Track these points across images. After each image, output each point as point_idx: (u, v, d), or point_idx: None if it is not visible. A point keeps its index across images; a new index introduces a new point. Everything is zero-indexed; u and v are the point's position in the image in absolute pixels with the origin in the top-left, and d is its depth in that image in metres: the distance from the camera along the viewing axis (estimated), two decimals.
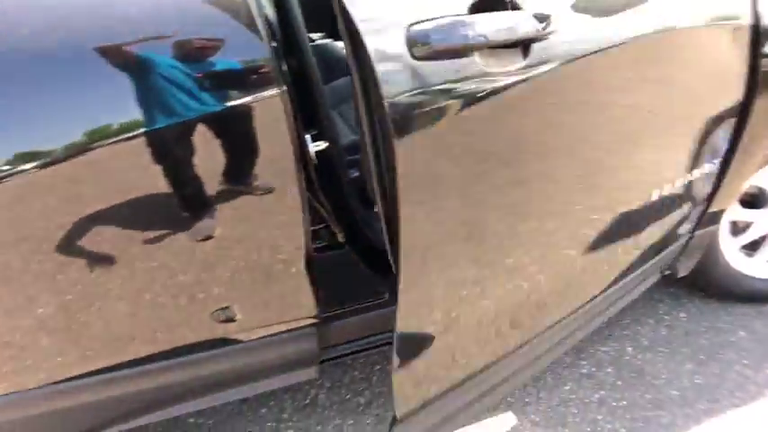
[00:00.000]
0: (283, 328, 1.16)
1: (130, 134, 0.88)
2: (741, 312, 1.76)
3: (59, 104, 0.87)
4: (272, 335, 1.16)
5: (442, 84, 0.88)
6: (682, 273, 1.61)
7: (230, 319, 1.10)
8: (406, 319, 1.01)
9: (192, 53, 0.92)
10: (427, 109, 0.87)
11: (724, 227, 1.65)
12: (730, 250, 1.69)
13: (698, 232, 1.51)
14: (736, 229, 1.69)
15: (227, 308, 1.08)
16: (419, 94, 0.87)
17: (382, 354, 1.43)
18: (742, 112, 1.33)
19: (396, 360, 1.04)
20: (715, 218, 1.54)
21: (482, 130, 0.96)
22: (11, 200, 0.88)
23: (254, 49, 0.94)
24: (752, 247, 1.73)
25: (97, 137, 0.88)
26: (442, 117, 0.89)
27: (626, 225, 1.29)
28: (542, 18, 0.95)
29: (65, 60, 0.88)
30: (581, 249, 1.23)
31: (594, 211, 1.22)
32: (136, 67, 0.89)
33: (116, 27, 0.89)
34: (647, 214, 1.33)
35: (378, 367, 1.64)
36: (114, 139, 0.88)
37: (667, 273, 1.59)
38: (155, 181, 0.93)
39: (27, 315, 0.96)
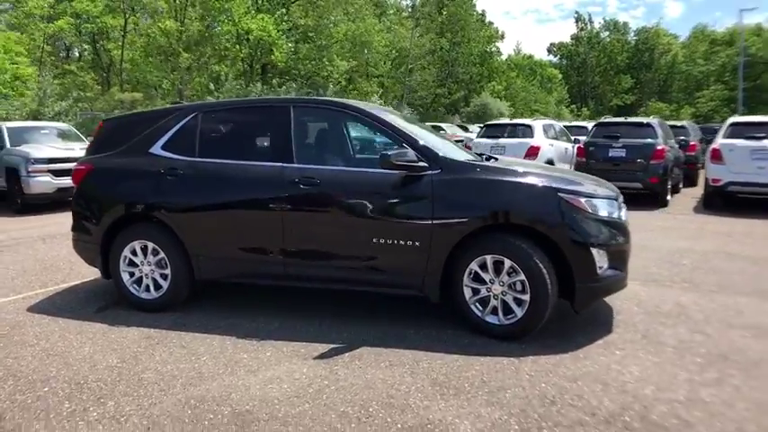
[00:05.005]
0: None
1: None
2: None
3: None
4: None
5: None
6: (433, 299, 3.54)
7: None
8: None
9: None
10: None
11: (467, 289, 3.49)
12: (471, 302, 3.51)
13: (427, 279, 3.48)
14: (473, 292, 3.50)
15: None
16: None
17: None
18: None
19: None
20: (435, 273, 3.48)
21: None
22: None
23: None
24: (483, 303, 3.49)
25: None
26: None
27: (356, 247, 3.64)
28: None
29: None
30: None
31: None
32: None
33: None
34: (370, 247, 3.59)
35: None
36: None
37: (421, 295, 3.55)
38: None
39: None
